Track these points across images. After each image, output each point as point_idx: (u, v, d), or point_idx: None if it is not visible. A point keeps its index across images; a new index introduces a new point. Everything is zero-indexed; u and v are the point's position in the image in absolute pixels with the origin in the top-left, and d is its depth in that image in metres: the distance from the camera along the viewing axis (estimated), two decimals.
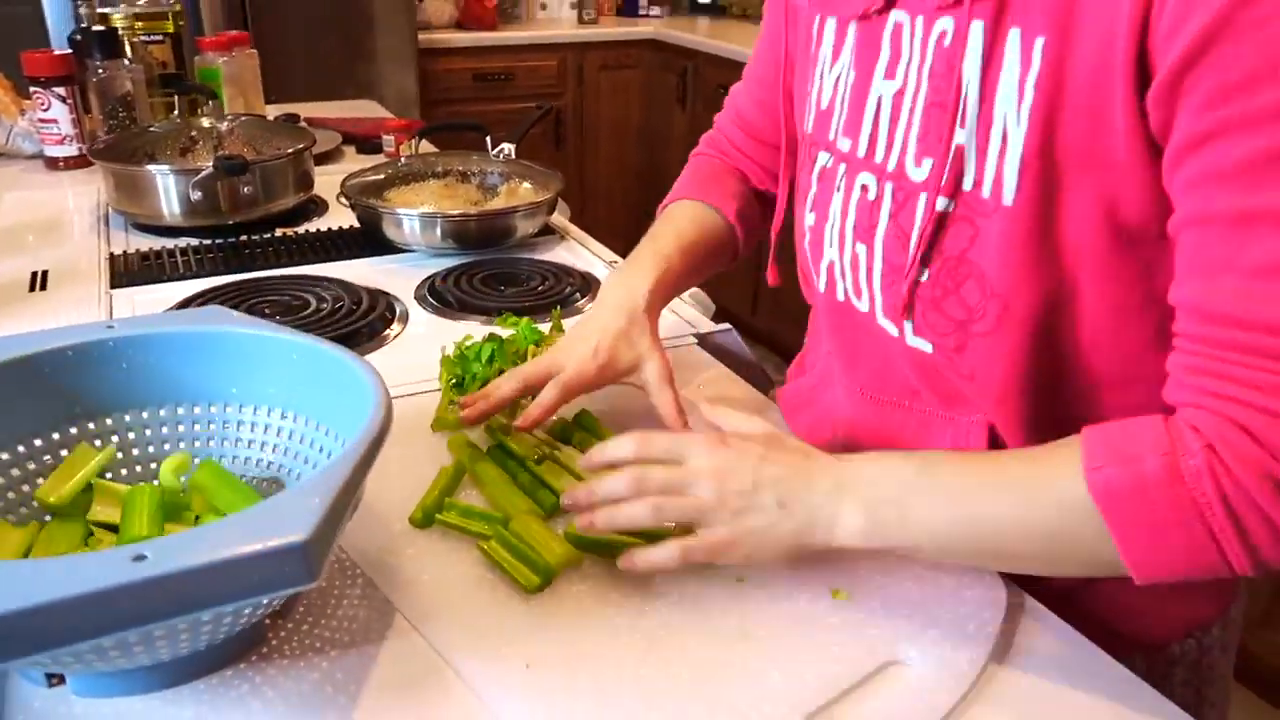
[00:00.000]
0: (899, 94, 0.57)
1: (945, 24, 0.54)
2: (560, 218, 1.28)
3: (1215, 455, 0.46)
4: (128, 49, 1.55)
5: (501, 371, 0.79)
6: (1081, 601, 0.60)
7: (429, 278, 1.06)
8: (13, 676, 0.52)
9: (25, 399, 0.61)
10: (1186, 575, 0.48)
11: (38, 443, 0.61)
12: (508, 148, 1.30)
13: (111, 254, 1.13)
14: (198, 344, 0.65)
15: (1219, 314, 0.47)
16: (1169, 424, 0.48)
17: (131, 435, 0.64)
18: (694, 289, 1.07)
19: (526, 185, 1.25)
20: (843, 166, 0.62)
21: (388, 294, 1.02)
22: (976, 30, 0.52)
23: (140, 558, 0.41)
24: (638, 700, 0.50)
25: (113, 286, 1.04)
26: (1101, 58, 0.48)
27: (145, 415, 0.65)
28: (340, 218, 1.28)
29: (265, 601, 0.47)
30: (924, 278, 0.57)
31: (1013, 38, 0.51)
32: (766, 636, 0.55)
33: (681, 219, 0.80)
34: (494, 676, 0.52)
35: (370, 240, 1.16)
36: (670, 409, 0.69)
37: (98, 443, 0.63)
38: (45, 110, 1.43)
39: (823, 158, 0.65)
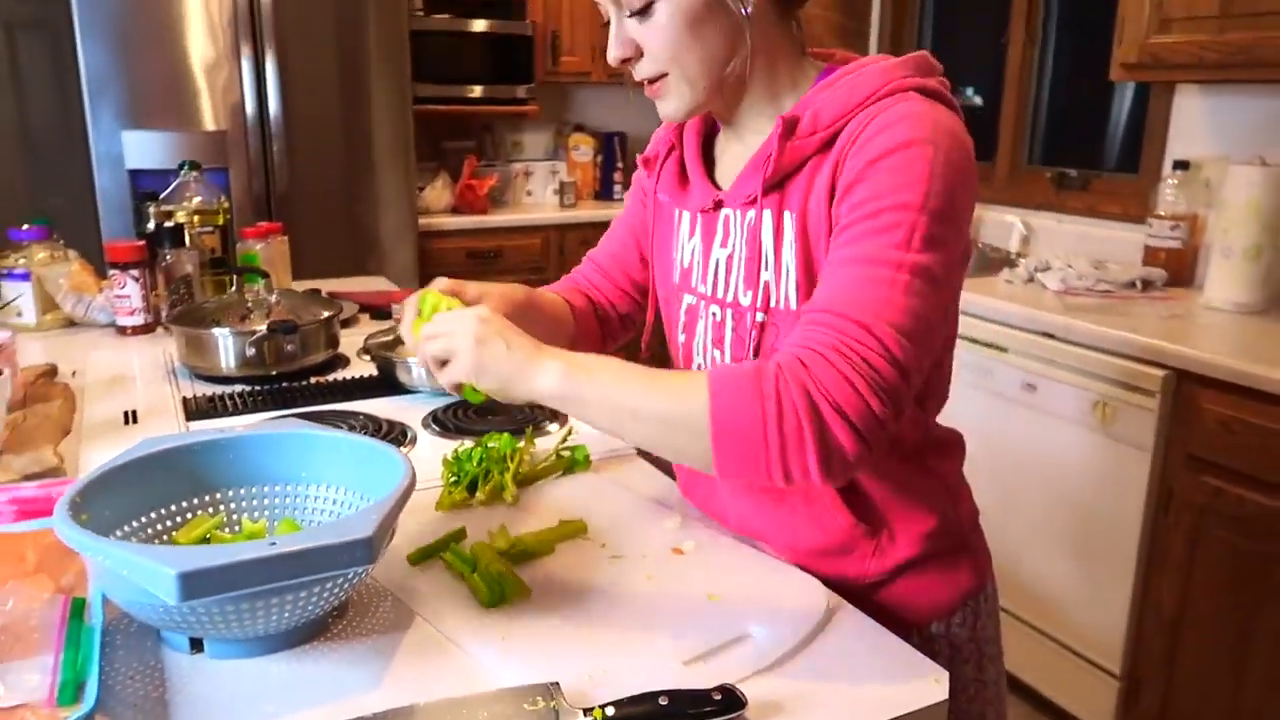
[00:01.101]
0: (729, 256, 0.92)
1: (750, 213, 0.89)
2: None
3: (778, 365, 0.74)
4: (187, 238, 1.91)
5: (488, 471, 1.09)
6: (880, 601, 0.88)
7: (433, 410, 1.37)
8: (164, 648, 0.79)
9: (166, 478, 0.90)
10: (745, 449, 0.73)
11: (173, 507, 0.90)
12: None
13: (184, 397, 1.44)
14: (279, 442, 0.96)
15: (815, 305, 0.79)
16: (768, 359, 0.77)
17: (233, 505, 0.93)
18: None
19: None
20: (702, 303, 0.96)
21: (401, 423, 1.32)
22: (766, 215, 0.87)
23: (273, 544, 0.71)
24: (573, 650, 0.78)
25: (188, 420, 1.34)
26: (819, 214, 0.84)
27: (243, 491, 0.94)
28: (360, 369, 1.60)
29: (344, 577, 0.75)
30: None
31: (786, 216, 0.86)
32: (665, 618, 0.83)
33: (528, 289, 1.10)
34: (482, 644, 0.80)
35: (386, 384, 1.48)
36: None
37: (211, 510, 0.93)
38: (122, 288, 1.77)
39: (688, 298, 0.98)
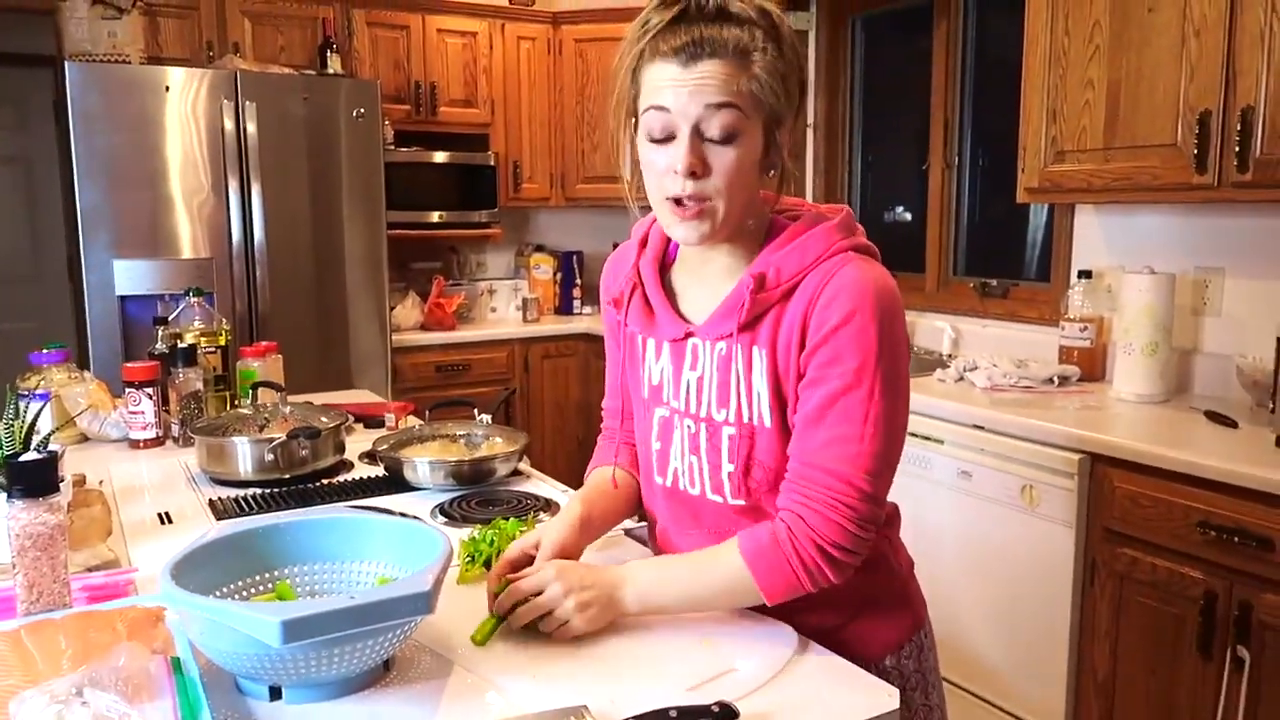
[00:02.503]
0: (700, 378, 1.11)
1: (721, 346, 1.08)
2: (525, 464, 1.78)
3: (789, 528, 0.99)
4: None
5: (499, 551, 1.26)
6: (841, 641, 1.07)
7: (439, 503, 1.54)
8: (245, 697, 0.94)
9: (237, 556, 1.06)
10: (789, 593, 1.01)
11: (240, 582, 1.06)
12: (485, 417, 1.83)
13: (210, 500, 1.58)
14: (326, 526, 1.12)
15: (802, 459, 1.01)
16: (775, 519, 1.01)
17: (289, 581, 1.09)
18: None
19: (499, 440, 1.77)
20: (675, 416, 1.14)
21: (414, 515, 1.48)
22: (738, 349, 1.07)
23: (352, 597, 0.87)
24: (593, 682, 0.95)
25: (217, 519, 1.49)
26: (788, 353, 1.04)
27: (299, 569, 1.10)
28: (363, 471, 1.76)
29: (407, 625, 0.92)
30: (731, 469, 1.08)
31: (755, 351, 1.06)
32: (667, 657, 1.00)
33: (598, 477, 1.28)
34: (515, 681, 0.96)
35: (394, 483, 1.65)
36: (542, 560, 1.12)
37: (270, 585, 1.08)
38: (136, 405, 1.92)
39: (660, 411, 1.16)
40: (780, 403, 1.05)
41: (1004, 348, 2.94)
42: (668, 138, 1.01)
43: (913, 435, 2.46)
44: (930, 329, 3.22)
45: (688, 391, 1.12)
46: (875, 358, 0.99)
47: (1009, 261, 3.17)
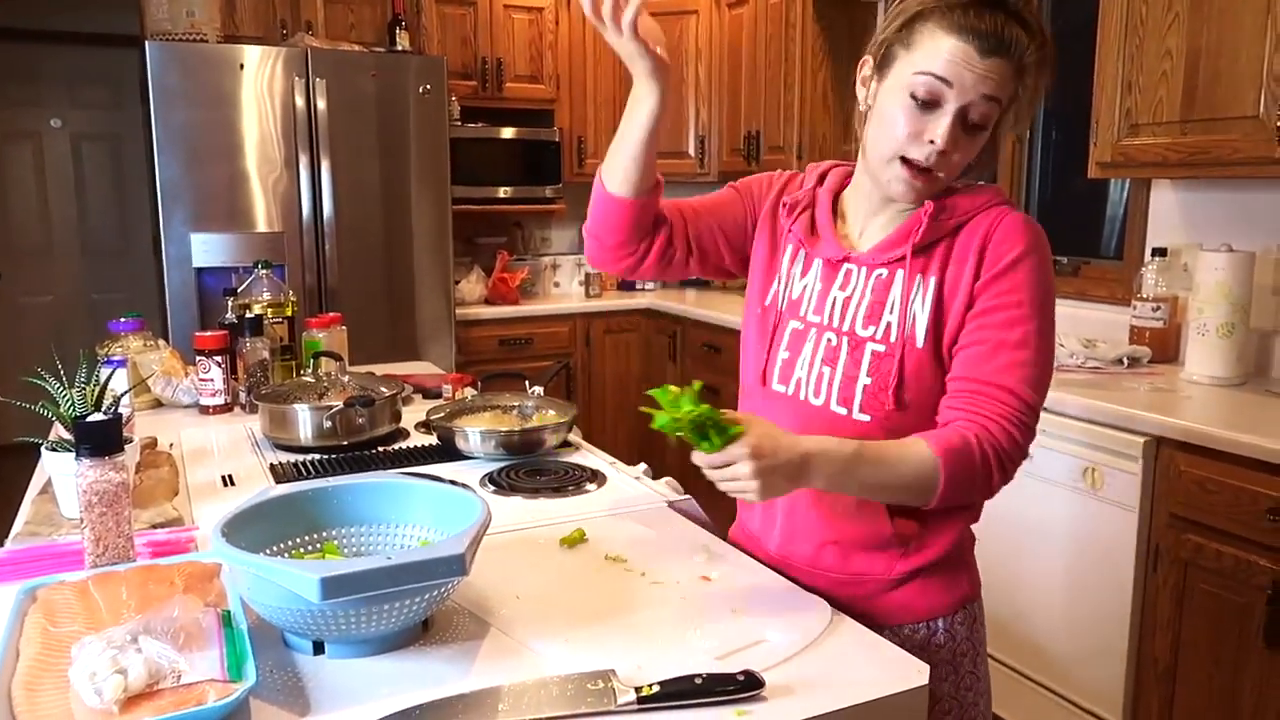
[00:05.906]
0: (849, 298, 1.16)
1: (881, 271, 1.14)
2: (575, 435, 1.81)
3: (977, 435, 1.06)
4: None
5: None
6: (895, 596, 1.12)
7: (489, 472, 1.57)
8: (291, 651, 0.98)
9: (287, 517, 1.10)
10: (962, 496, 1.07)
11: (290, 542, 1.10)
12: (538, 389, 1.85)
13: (271, 464, 1.64)
14: (372, 489, 1.16)
15: (973, 381, 1.07)
16: (950, 426, 1.08)
17: (336, 541, 1.13)
18: (669, 478, 1.57)
19: (551, 412, 1.79)
20: (813, 330, 1.18)
21: (463, 482, 1.51)
22: (900, 274, 1.12)
23: (389, 558, 0.90)
24: (623, 648, 0.96)
25: (276, 483, 1.54)
26: (956, 283, 1.09)
27: (344, 530, 1.14)
28: (418, 440, 1.81)
29: (443, 586, 0.94)
30: (868, 383, 1.12)
31: (921, 277, 1.12)
32: (697, 626, 1.01)
33: None
34: (548, 645, 0.98)
35: (446, 452, 1.69)
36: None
37: (319, 545, 1.12)
38: (207, 372, 2.00)
39: (794, 324, 1.20)
40: (937, 327, 1.11)
41: (1073, 327, 2.86)
42: (930, 104, 1.06)
43: None
44: None
45: (833, 308, 1.17)
46: (1043, 294, 1.09)
47: (1081, 238, 3.07)
